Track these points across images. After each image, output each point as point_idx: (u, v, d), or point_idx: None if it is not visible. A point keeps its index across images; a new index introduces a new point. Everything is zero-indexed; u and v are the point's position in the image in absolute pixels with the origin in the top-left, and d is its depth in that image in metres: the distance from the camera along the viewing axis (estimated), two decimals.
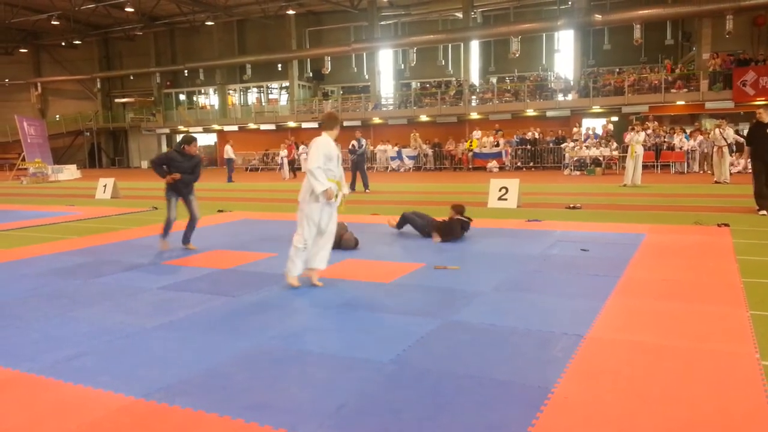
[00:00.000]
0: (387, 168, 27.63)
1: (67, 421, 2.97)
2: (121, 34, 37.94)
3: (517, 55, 27.73)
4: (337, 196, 5.50)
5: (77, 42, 39.16)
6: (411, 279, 5.85)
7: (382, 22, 31.99)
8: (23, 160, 28.48)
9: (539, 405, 2.99)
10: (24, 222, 11.14)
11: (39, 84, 42.16)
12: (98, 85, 41.36)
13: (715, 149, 16.70)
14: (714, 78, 23.55)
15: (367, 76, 32.78)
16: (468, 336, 4.12)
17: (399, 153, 27.57)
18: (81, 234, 9.52)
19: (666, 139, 21.87)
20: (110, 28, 37.03)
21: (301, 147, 24.57)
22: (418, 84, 32.94)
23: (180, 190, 7.59)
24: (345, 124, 29.89)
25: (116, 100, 42.32)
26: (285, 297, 5.27)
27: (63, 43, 39.44)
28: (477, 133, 26.78)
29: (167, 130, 38.66)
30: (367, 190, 15.86)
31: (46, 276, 6.38)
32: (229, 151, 23.35)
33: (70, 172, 28.52)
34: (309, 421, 2.88)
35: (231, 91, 37.68)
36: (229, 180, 22.48)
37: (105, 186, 16.63)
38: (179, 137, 41.41)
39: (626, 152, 16.94)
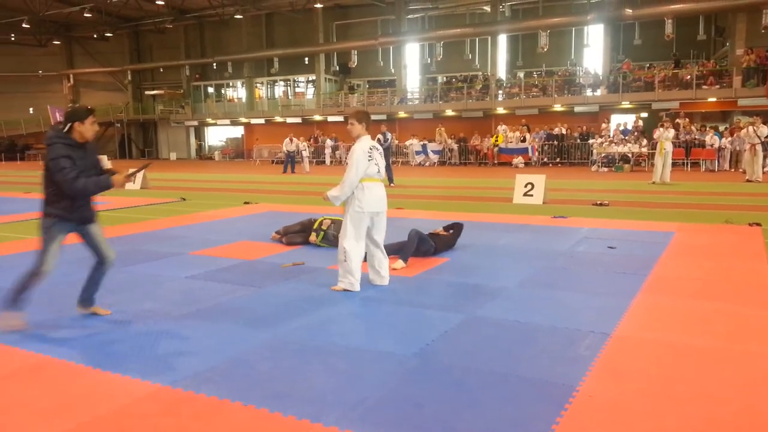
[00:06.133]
0: (402, 162, 27.58)
1: (97, 406, 3.04)
2: (152, 27, 38.42)
3: (546, 50, 27.37)
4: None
5: (109, 34, 39.76)
6: (434, 274, 5.84)
7: (409, 16, 31.85)
8: None
9: (564, 403, 2.97)
10: None
11: (71, 75, 42.91)
12: (129, 77, 41.98)
13: (747, 147, 16.34)
14: (748, 74, 23.00)
15: (393, 70, 32.71)
16: (492, 332, 4.10)
17: (424, 147, 27.49)
18: (111, 223, 9.68)
19: (697, 137, 21.44)
20: (141, 20, 37.52)
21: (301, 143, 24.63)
22: (445, 78, 32.77)
23: (85, 211, 4.21)
24: (371, 117, 29.83)
25: (146, 92, 42.90)
26: (309, 289, 5.30)
27: (95, 36, 40.06)
28: (502, 128, 26.56)
29: (196, 123, 39.11)
30: (391, 184, 15.86)
31: (77, 264, 6.47)
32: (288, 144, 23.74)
33: (100, 162, 28.96)
34: (332, 411, 2.90)
35: (258, 84, 37.92)
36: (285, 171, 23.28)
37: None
38: (207, 130, 41.41)
39: (655, 149, 16.66)
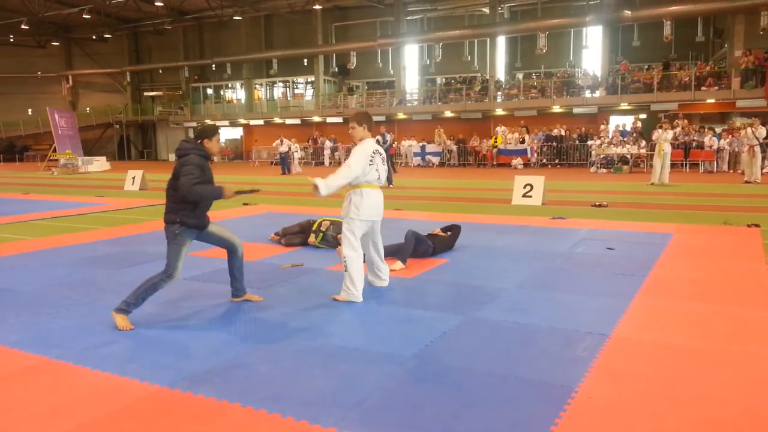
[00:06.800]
0: (403, 163, 27.59)
1: (95, 407, 3.04)
2: (151, 29, 38.42)
3: (544, 51, 27.38)
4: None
5: (108, 36, 39.75)
6: (433, 275, 5.85)
7: (408, 18, 31.87)
8: (54, 151, 29.06)
9: (563, 404, 2.97)
10: (55, 212, 11.37)
11: (70, 77, 42.88)
12: (128, 79, 41.96)
13: (746, 148, 16.37)
14: (746, 76, 23.03)
15: (392, 72, 32.72)
16: (491, 333, 4.10)
17: (423, 149, 27.49)
18: (110, 224, 9.68)
19: (695, 138, 21.46)
20: (140, 22, 37.50)
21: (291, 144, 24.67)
22: (444, 79, 32.79)
23: (204, 218, 4.61)
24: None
25: (145, 94, 42.89)
26: (308, 290, 5.31)
27: (94, 37, 40.06)
28: (501, 129, 26.57)
29: (194, 124, 39.01)
30: (390, 186, 15.87)
31: (76, 265, 6.50)
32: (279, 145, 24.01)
33: (99, 163, 29.04)
34: (331, 413, 2.90)
35: (257, 86, 37.92)
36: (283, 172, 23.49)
37: (134, 178, 16.88)
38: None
39: (654, 150, 16.68)
